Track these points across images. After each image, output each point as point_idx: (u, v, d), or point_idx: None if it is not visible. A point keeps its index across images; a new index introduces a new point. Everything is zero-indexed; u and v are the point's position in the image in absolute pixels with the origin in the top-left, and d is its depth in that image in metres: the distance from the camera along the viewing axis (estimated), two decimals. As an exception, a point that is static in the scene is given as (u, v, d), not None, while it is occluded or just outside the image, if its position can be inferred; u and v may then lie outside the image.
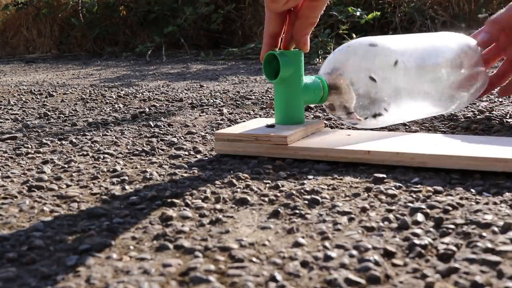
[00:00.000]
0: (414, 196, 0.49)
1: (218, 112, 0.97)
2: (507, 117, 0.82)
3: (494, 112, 0.86)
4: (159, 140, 0.75)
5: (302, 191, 0.51)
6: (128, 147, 0.72)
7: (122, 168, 0.61)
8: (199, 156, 0.65)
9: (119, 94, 1.28)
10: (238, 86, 1.37)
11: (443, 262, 0.36)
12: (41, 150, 0.71)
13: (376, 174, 0.54)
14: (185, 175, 0.58)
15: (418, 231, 0.41)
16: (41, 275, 0.36)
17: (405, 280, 0.34)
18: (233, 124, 0.84)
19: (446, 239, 0.39)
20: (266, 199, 0.49)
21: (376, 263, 0.36)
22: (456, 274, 0.34)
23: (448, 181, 0.52)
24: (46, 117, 0.98)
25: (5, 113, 1.05)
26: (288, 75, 0.64)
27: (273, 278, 0.34)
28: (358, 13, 2.11)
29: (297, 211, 0.46)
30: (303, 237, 0.41)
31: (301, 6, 0.63)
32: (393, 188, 0.51)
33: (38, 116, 1.00)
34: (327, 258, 0.37)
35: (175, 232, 0.42)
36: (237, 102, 1.09)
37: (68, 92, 1.36)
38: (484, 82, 0.78)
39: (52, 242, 0.41)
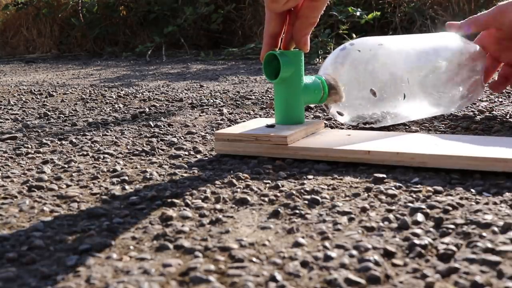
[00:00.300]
0: (414, 196, 0.49)
1: (218, 112, 0.97)
2: (507, 117, 0.82)
3: (494, 112, 0.86)
4: (159, 140, 0.75)
5: (302, 191, 0.51)
6: (128, 147, 0.72)
7: (122, 168, 0.61)
8: (199, 156, 0.65)
9: (119, 94, 1.28)
10: (238, 86, 1.37)
11: (443, 262, 0.36)
12: (41, 150, 0.71)
13: (376, 174, 0.54)
14: (185, 175, 0.58)
15: (418, 231, 0.41)
16: (41, 275, 0.36)
17: (405, 280, 0.34)
18: (233, 124, 0.84)
19: (446, 239, 0.39)
20: (266, 199, 0.49)
21: (376, 263, 0.36)
22: (456, 274, 0.34)
23: (448, 181, 0.52)
24: (46, 117, 0.98)
25: (5, 113, 1.05)
26: (288, 75, 0.64)
27: (273, 278, 0.34)
28: (358, 13, 2.11)
29: (297, 211, 0.46)
30: (303, 237, 0.41)
31: (301, 6, 0.63)
32: (393, 188, 0.51)
33: (38, 116, 1.00)
34: (327, 258, 0.37)
35: (175, 232, 0.42)
36: (237, 102, 1.09)
37: (68, 92, 1.36)
38: (480, 87, 0.78)
39: (52, 242, 0.41)
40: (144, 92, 1.31)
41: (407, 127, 0.77)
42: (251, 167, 0.59)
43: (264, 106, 1.03)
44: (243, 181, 0.55)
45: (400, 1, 2.38)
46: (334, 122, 0.83)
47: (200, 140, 0.74)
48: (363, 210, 0.46)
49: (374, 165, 0.58)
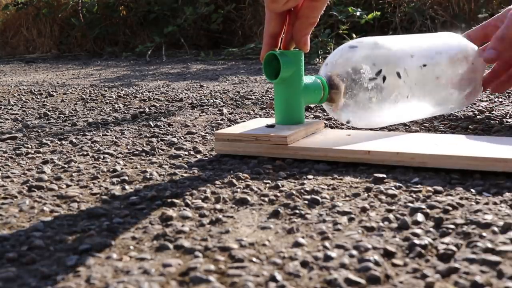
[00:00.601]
0: (414, 196, 0.49)
1: (218, 112, 0.97)
2: (507, 117, 0.82)
3: (494, 112, 0.86)
4: (159, 140, 0.75)
5: (302, 191, 0.51)
6: (128, 147, 0.72)
7: (122, 168, 0.61)
8: (199, 156, 0.65)
9: (119, 94, 1.28)
10: (238, 86, 1.37)
11: (443, 262, 0.36)
12: (41, 150, 0.71)
13: (376, 174, 0.54)
14: (185, 175, 0.58)
15: (418, 231, 0.41)
16: (41, 275, 0.36)
17: (405, 280, 0.34)
18: (233, 124, 0.84)
19: (446, 239, 0.39)
20: (266, 199, 0.49)
21: (376, 263, 0.36)
22: (456, 274, 0.34)
23: (448, 181, 0.52)
24: (46, 117, 0.98)
25: (5, 113, 1.05)
26: (288, 75, 0.64)
27: (273, 278, 0.34)
28: (358, 13, 2.11)
29: (297, 211, 0.46)
30: (303, 237, 0.41)
31: (301, 6, 0.63)
32: (393, 188, 0.51)
33: (38, 116, 1.00)
34: (327, 258, 0.37)
35: (175, 232, 0.42)
36: (237, 102, 1.09)
37: (68, 92, 1.36)
38: (477, 88, 0.78)
39: (52, 242, 0.41)
40: (144, 92, 1.31)
41: (407, 127, 0.77)
42: (251, 167, 0.59)
43: (264, 106, 1.03)
44: (243, 181, 0.55)
45: (400, 1, 2.38)
46: (334, 122, 0.83)
47: (200, 140, 0.74)
48: (363, 210, 0.46)
49: (374, 165, 0.58)
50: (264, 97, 1.14)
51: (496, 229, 0.40)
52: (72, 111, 1.04)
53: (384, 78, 0.65)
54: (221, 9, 2.72)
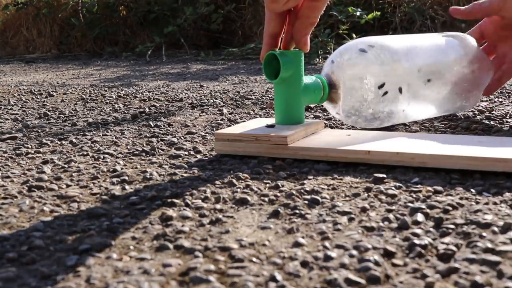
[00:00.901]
0: (414, 196, 0.49)
1: (218, 112, 0.97)
2: (507, 117, 0.82)
3: (494, 112, 0.86)
4: (159, 140, 0.75)
5: (302, 191, 0.51)
6: (128, 147, 0.72)
7: (122, 168, 0.61)
8: (199, 156, 0.65)
9: (119, 94, 1.28)
10: (238, 86, 1.37)
11: (443, 262, 0.36)
12: (41, 150, 0.71)
13: (376, 174, 0.54)
14: (185, 175, 0.58)
15: (418, 231, 0.41)
16: (41, 275, 0.36)
17: (405, 280, 0.34)
18: (233, 124, 0.84)
19: (446, 239, 0.39)
20: (266, 199, 0.49)
21: (376, 263, 0.36)
22: (456, 274, 0.34)
23: (448, 181, 0.52)
24: (46, 117, 0.98)
25: (5, 113, 1.05)
26: (288, 75, 0.64)
27: (273, 278, 0.34)
28: (358, 13, 2.11)
29: (297, 211, 0.46)
30: (303, 237, 0.41)
31: (301, 6, 0.63)
32: (393, 188, 0.51)
33: (38, 116, 1.00)
34: (327, 258, 0.37)
35: (175, 232, 0.42)
36: (237, 102, 1.09)
37: (68, 92, 1.36)
38: (482, 88, 0.78)
39: (52, 242, 0.41)
40: (144, 92, 1.31)
41: (407, 127, 0.77)
42: (251, 167, 0.59)
43: (264, 106, 1.03)
44: (243, 181, 0.55)
45: (400, 1, 2.38)
46: (334, 122, 0.83)
47: (200, 140, 0.74)
48: (363, 210, 0.46)
49: (374, 165, 0.58)
50: (264, 97, 1.14)
51: (496, 229, 0.40)
52: (72, 111, 1.04)
53: (385, 93, 0.66)
54: (221, 9, 2.72)
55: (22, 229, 0.44)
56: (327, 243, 0.39)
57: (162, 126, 0.85)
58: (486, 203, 0.46)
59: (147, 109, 1.03)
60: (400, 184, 0.52)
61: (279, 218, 0.45)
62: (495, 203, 0.46)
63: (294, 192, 0.50)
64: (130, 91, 1.32)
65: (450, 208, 0.45)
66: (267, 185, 0.53)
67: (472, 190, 0.49)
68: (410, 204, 0.46)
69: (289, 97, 0.65)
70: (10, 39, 3.24)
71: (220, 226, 0.43)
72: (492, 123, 0.78)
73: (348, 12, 2.12)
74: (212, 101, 1.11)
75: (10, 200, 0.51)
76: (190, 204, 0.48)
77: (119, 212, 0.47)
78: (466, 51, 0.75)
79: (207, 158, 0.64)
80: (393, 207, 0.46)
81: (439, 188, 0.50)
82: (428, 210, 0.45)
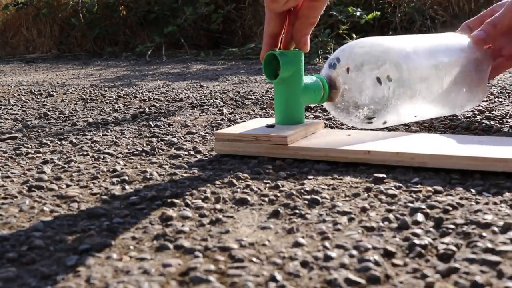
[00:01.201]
0: (414, 196, 0.49)
1: (218, 112, 0.97)
2: (507, 117, 0.82)
3: (494, 112, 0.86)
4: (159, 140, 0.75)
5: (302, 191, 0.51)
6: (128, 147, 0.72)
7: (122, 168, 0.61)
8: (199, 156, 0.65)
9: (119, 94, 1.28)
10: (238, 86, 1.37)
11: (443, 262, 0.36)
12: (41, 150, 0.71)
13: (376, 174, 0.54)
14: (185, 175, 0.58)
15: (418, 231, 0.41)
16: (41, 275, 0.36)
17: (405, 280, 0.34)
18: (233, 124, 0.84)
19: (446, 239, 0.39)
20: (266, 199, 0.49)
21: (376, 263, 0.36)
22: (456, 274, 0.34)
23: (448, 181, 0.52)
24: (46, 117, 0.98)
25: (5, 113, 1.05)
26: (288, 75, 0.64)
27: (273, 278, 0.34)
28: (358, 13, 2.11)
29: (297, 211, 0.46)
30: (303, 237, 0.41)
31: (301, 6, 0.63)
32: (393, 188, 0.51)
33: (38, 116, 1.00)
34: (327, 258, 0.37)
35: (175, 232, 0.42)
36: (237, 102, 1.09)
37: (68, 92, 1.36)
38: (485, 86, 0.78)
39: (52, 242, 0.41)
40: (144, 92, 1.31)
41: (407, 127, 0.77)
42: (251, 167, 0.59)
43: (264, 106, 1.03)
44: (243, 181, 0.55)
45: (400, 1, 2.38)
46: (334, 122, 0.83)
47: (200, 140, 0.74)
48: (363, 210, 0.46)
49: (374, 165, 0.58)
50: (264, 97, 1.14)
51: (496, 229, 0.40)
52: (72, 111, 1.04)
53: (394, 88, 0.66)
54: (221, 9, 2.72)
55: (22, 229, 0.44)
56: (327, 243, 0.39)
57: (162, 126, 0.85)
58: (486, 203, 0.46)
59: (147, 109, 1.03)
60: (400, 184, 0.52)
61: (279, 218, 0.45)
62: (495, 203, 0.46)
63: (294, 192, 0.50)
64: (130, 91, 1.32)
65: (450, 208, 0.45)
66: (267, 185, 0.53)
67: (472, 190, 0.49)
68: (410, 204, 0.46)
69: (289, 97, 0.65)
70: (10, 39, 3.24)
71: (220, 226, 0.43)
72: (492, 123, 0.78)
73: (348, 12, 2.12)
74: (212, 101, 1.11)
75: (10, 200, 0.51)
76: (190, 204, 0.48)
77: (119, 212, 0.47)
78: (466, 51, 0.75)
79: (207, 158, 0.64)
80: (393, 207, 0.46)
81: (439, 188, 0.50)
82: (428, 210, 0.45)
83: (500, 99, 1.00)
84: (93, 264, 0.37)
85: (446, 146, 0.59)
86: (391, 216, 0.44)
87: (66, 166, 0.63)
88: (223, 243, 0.40)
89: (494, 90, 1.12)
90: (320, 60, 1.86)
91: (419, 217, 0.43)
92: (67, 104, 1.14)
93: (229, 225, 0.44)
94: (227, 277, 0.35)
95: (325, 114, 0.90)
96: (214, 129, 0.81)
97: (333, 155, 0.59)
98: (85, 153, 0.68)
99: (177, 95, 1.23)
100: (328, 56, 1.71)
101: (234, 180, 0.54)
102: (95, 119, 0.95)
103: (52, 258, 0.38)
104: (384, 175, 0.54)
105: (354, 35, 2.08)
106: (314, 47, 1.86)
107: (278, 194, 0.50)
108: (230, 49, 2.34)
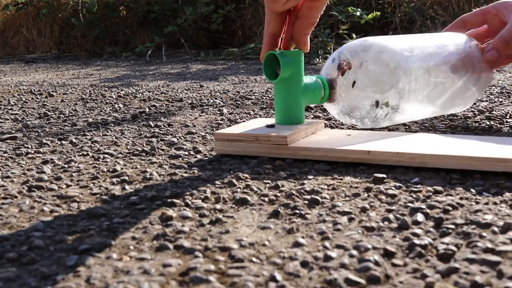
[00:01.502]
0: (414, 196, 0.49)
1: (218, 112, 0.97)
2: (507, 117, 0.82)
3: (494, 112, 0.86)
4: (159, 140, 0.75)
5: (302, 191, 0.51)
6: (128, 147, 0.72)
7: (122, 168, 0.61)
8: (199, 156, 0.65)
9: (119, 94, 1.28)
10: (238, 86, 1.37)
11: (443, 262, 0.36)
12: (41, 150, 0.71)
13: (376, 174, 0.54)
14: (185, 175, 0.58)
15: (418, 231, 0.41)
16: (41, 275, 0.36)
17: (405, 280, 0.34)
18: (233, 124, 0.84)
19: (446, 239, 0.39)
20: (266, 199, 0.49)
21: (376, 263, 0.36)
22: (456, 274, 0.34)
23: (448, 181, 0.52)
24: (46, 117, 0.98)
25: (5, 113, 1.05)
26: (288, 75, 0.64)
27: (273, 278, 0.34)
28: (358, 13, 2.11)
29: (297, 211, 0.46)
30: (303, 237, 0.41)
31: (301, 6, 0.63)
32: (393, 188, 0.51)
33: (38, 116, 1.00)
34: (327, 258, 0.37)
35: (175, 232, 0.42)
36: (237, 102, 1.09)
37: (68, 92, 1.36)
38: (488, 80, 0.78)
39: (52, 242, 0.41)
40: (144, 92, 1.31)
41: (407, 127, 0.77)
42: (251, 167, 0.59)
43: (264, 106, 1.03)
44: (243, 181, 0.55)
45: (400, 1, 2.38)
46: (334, 122, 0.83)
47: (200, 140, 0.74)
48: (363, 210, 0.46)
49: (374, 165, 0.58)
50: (264, 97, 1.14)
51: (496, 229, 0.40)
52: (72, 111, 1.04)
53: (387, 113, 0.66)
54: (221, 9, 2.72)
55: (22, 229, 0.44)
56: (327, 243, 0.39)
57: (162, 126, 0.85)
58: (486, 203, 0.46)
59: (147, 109, 1.03)
60: (400, 184, 0.52)
61: (279, 218, 0.45)
62: (495, 203, 0.46)
63: (294, 192, 0.50)
64: (130, 91, 1.32)
65: (450, 208, 0.45)
66: (267, 185, 0.53)
67: (472, 190, 0.49)
68: (410, 204, 0.46)
69: (289, 97, 0.65)
70: (10, 39, 3.24)
71: (220, 226, 0.43)
72: (492, 123, 0.78)
73: (348, 12, 2.12)
74: (212, 101, 1.11)
75: (10, 200, 0.51)
76: (190, 204, 0.48)
77: (119, 212, 0.47)
78: (462, 51, 0.75)
79: (207, 158, 0.64)
80: (393, 207, 0.46)
81: (439, 188, 0.50)
82: (428, 210, 0.45)
83: (500, 99, 1.00)
84: (93, 264, 0.37)
85: (446, 146, 0.59)
86: (391, 216, 0.44)
87: (66, 166, 0.63)
88: (223, 243, 0.40)
89: (494, 90, 1.12)
90: (320, 60, 1.86)
91: (419, 217, 0.43)
92: (67, 104, 1.14)
93: (229, 225, 0.44)
94: (227, 277, 0.35)
95: (325, 114, 0.90)
96: (214, 129, 0.81)
97: (333, 155, 0.59)
98: (85, 153, 0.68)
99: (177, 95, 1.23)
100: (328, 56, 1.71)
101: (234, 180, 0.54)
102: (95, 119, 0.95)
103: (52, 258, 0.38)
104: (384, 175, 0.54)
105: (354, 35, 2.08)
106: (314, 47, 1.86)
107: (278, 194, 0.50)
108: (230, 49, 2.34)
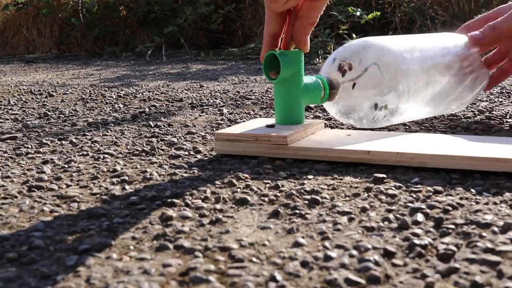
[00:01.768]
0: (414, 196, 0.49)
1: (218, 112, 0.97)
2: (507, 117, 0.82)
3: (494, 112, 0.86)
4: (159, 140, 0.75)
5: (302, 191, 0.51)
6: (128, 147, 0.72)
7: (122, 168, 0.61)
8: (199, 156, 0.65)
9: (119, 94, 1.28)
10: (238, 86, 1.37)
11: (443, 262, 0.36)
12: (41, 150, 0.71)
13: (376, 174, 0.54)
14: (185, 175, 0.58)
15: (418, 231, 0.41)
16: (41, 275, 0.36)
17: (405, 280, 0.34)
18: (233, 124, 0.84)
19: (446, 239, 0.39)
20: (266, 199, 0.49)
21: (376, 263, 0.36)
22: (456, 274, 0.34)
23: (448, 181, 0.52)
24: (46, 117, 0.98)
25: (5, 113, 1.05)
26: (288, 75, 0.64)
27: (273, 278, 0.34)
28: (358, 13, 2.11)
29: (297, 211, 0.46)
30: (303, 237, 0.41)
31: (301, 6, 0.63)
32: (393, 188, 0.51)
33: (38, 116, 1.00)
34: (327, 258, 0.37)
35: (175, 232, 0.42)
36: (237, 102, 1.09)
37: (68, 92, 1.36)
38: (484, 81, 0.78)
39: (52, 242, 0.41)
40: (144, 92, 1.31)
41: (407, 127, 0.77)
42: (251, 167, 0.59)
43: (264, 106, 1.03)
44: (243, 181, 0.55)
45: (400, 1, 2.38)
46: (334, 122, 0.83)
47: (200, 140, 0.74)
48: (363, 210, 0.46)
49: (374, 165, 0.58)
50: (264, 97, 1.14)
51: (496, 229, 0.40)
52: (72, 111, 1.04)
53: (385, 115, 0.67)
54: (221, 9, 2.72)
55: (22, 229, 0.44)
56: (327, 243, 0.39)
57: (162, 126, 0.85)
58: (486, 203, 0.46)
59: (147, 109, 1.03)
60: (400, 184, 0.52)
61: (279, 218, 0.45)
62: (495, 203, 0.46)
63: (294, 192, 0.50)
64: (130, 91, 1.32)
65: (450, 208, 0.45)
66: (267, 185, 0.53)
67: (472, 190, 0.49)
68: (410, 204, 0.46)
69: (289, 97, 0.65)
70: (10, 39, 3.24)
71: (220, 226, 0.43)
72: (492, 123, 0.78)
73: (348, 12, 2.12)
74: (212, 101, 1.11)
75: (10, 200, 0.51)
76: (190, 204, 0.48)
77: (119, 212, 0.47)
78: (460, 52, 0.75)
79: (207, 158, 0.64)
80: (393, 207, 0.46)
81: (439, 188, 0.50)
82: (428, 210, 0.45)
83: (500, 99, 1.00)
84: (93, 264, 0.37)
85: (446, 146, 0.59)
86: (391, 216, 0.44)
87: (66, 166, 0.63)
88: (223, 243, 0.40)
89: (494, 90, 1.12)
90: (320, 60, 1.86)
91: (419, 217, 0.43)
92: (67, 104, 1.14)
93: (229, 225, 0.43)
94: (227, 277, 0.35)
95: (325, 114, 0.90)
96: (214, 129, 0.81)
97: (333, 155, 0.59)
98: (85, 153, 0.68)
99: (177, 95, 1.23)
100: (328, 56, 1.71)
101: (234, 180, 0.54)
102: (95, 119, 0.95)
103: (52, 258, 0.38)
104: (384, 175, 0.54)
105: (354, 35, 2.08)
106: (314, 47, 1.86)
107: (278, 194, 0.50)
108: (230, 49, 2.34)
